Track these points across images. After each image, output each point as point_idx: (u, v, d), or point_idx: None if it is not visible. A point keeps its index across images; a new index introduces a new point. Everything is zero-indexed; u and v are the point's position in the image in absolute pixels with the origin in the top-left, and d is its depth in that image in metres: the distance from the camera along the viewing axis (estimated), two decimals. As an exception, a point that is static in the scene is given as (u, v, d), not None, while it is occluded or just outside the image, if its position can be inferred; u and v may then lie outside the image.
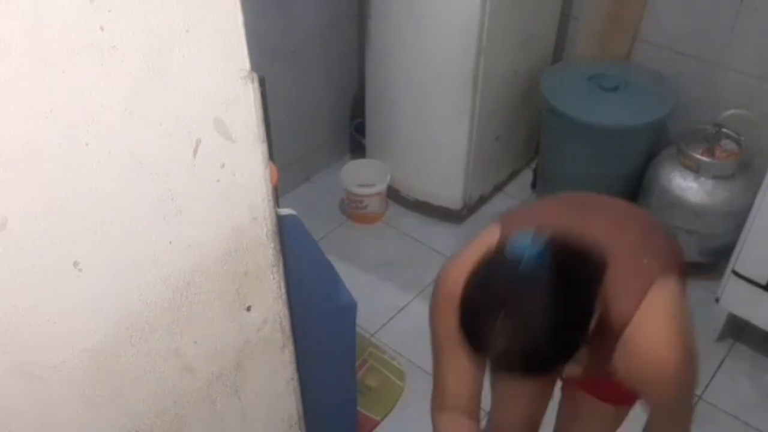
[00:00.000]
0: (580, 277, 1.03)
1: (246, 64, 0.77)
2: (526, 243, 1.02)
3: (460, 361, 1.21)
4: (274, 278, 0.96)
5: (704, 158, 2.22)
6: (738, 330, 2.23)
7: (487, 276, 1.05)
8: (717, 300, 2.12)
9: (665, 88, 2.42)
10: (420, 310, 2.40)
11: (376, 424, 2.10)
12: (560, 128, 2.42)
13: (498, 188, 2.84)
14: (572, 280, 1.02)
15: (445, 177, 2.64)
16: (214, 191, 0.82)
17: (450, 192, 2.66)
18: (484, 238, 1.20)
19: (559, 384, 1.48)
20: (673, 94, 2.39)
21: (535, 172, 2.82)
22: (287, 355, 1.07)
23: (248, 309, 0.95)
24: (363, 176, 2.69)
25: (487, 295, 1.02)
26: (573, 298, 1.02)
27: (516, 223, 1.18)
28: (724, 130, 2.23)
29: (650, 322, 1.09)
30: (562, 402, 1.50)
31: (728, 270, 2.07)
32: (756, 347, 2.22)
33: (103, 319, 0.79)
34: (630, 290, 1.10)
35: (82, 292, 0.75)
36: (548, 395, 1.50)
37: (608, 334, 1.09)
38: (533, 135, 2.80)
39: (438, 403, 1.30)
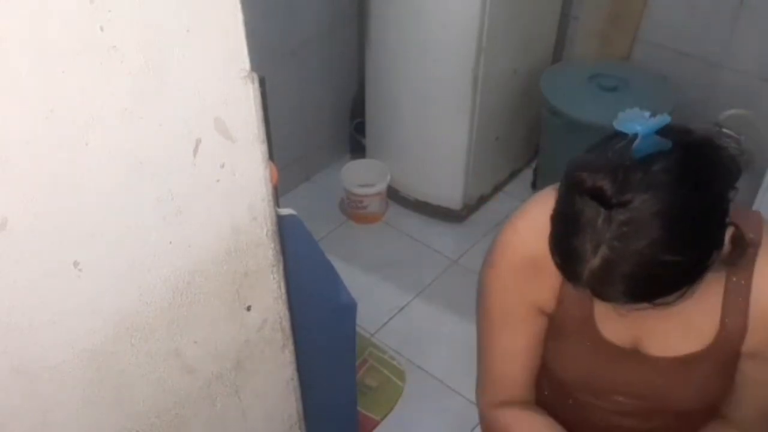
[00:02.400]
0: (713, 169, 0.84)
1: (246, 64, 0.77)
2: (640, 119, 0.84)
3: (518, 340, 1.10)
4: (274, 278, 0.96)
5: (704, 158, 2.21)
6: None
7: (587, 159, 0.86)
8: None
9: (665, 88, 2.42)
10: (420, 310, 2.43)
11: (376, 424, 2.10)
12: (560, 128, 2.42)
13: (498, 188, 2.84)
14: (705, 169, 0.83)
15: (445, 177, 2.64)
16: (214, 191, 0.82)
17: (450, 192, 2.66)
18: (539, 199, 1.02)
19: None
20: (673, 94, 2.39)
21: (535, 172, 2.82)
22: (287, 355, 1.07)
23: (248, 309, 0.95)
24: (363, 176, 2.69)
25: (591, 183, 0.82)
26: (704, 194, 0.83)
27: None
28: (724, 130, 2.23)
29: None
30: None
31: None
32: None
33: (103, 319, 0.79)
34: (750, 216, 0.95)
35: (82, 292, 0.75)
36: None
37: (740, 257, 0.92)
38: (533, 135, 2.80)
39: (493, 395, 1.17)
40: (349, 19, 2.68)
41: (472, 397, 2.14)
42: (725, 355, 1.04)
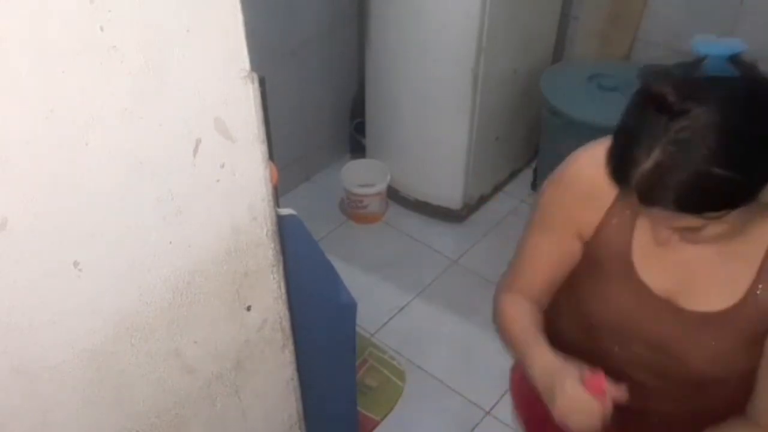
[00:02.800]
0: None
1: (246, 64, 0.77)
2: (714, 42, 0.91)
3: (551, 248, 1.17)
4: (274, 278, 0.96)
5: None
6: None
7: (659, 70, 0.92)
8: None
9: (665, 88, 2.42)
10: (420, 310, 2.43)
11: (376, 424, 2.10)
12: (560, 128, 2.42)
13: (498, 188, 2.84)
14: (765, 106, 0.88)
15: (445, 177, 2.64)
16: (214, 191, 0.82)
17: (450, 192, 2.67)
18: (606, 139, 1.06)
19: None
20: (673, 94, 2.39)
21: (535, 172, 2.82)
22: (287, 355, 1.07)
23: (248, 309, 0.95)
24: (363, 176, 2.70)
25: (656, 89, 0.88)
26: (761, 125, 0.86)
27: None
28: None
29: None
30: None
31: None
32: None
33: (103, 319, 0.79)
34: None
35: (82, 292, 0.75)
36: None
37: None
38: (533, 135, 2.80)
39: (508, 284, 1.26)
40: (349, 19, 2.68)
41: (472, 397, 2.16)
42: (752, 323, 1.05)
